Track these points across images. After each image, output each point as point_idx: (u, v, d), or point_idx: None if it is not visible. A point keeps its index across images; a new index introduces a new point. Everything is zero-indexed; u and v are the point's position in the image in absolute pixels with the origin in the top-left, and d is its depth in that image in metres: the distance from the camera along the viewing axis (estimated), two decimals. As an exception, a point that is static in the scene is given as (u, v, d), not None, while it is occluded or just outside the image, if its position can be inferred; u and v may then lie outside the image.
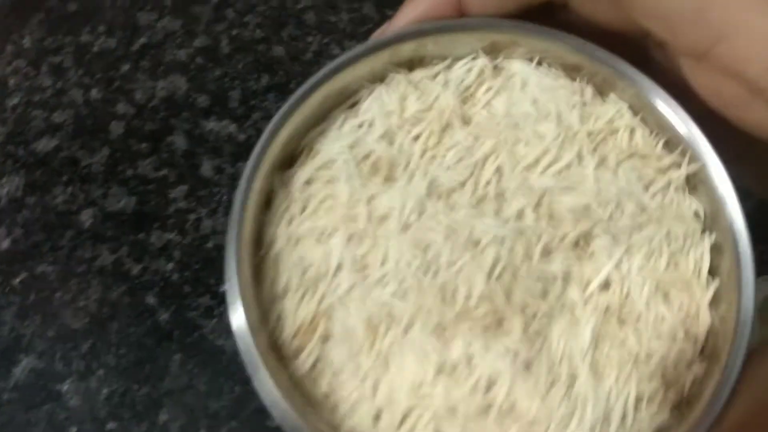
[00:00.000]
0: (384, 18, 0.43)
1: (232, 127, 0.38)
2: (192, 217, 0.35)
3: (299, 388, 0.18)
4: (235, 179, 0.36)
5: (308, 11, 0.42)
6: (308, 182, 0.20)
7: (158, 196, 0.36)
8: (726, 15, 0.17)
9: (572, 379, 0.18)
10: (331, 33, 0.42)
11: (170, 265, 0.34)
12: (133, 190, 0.36)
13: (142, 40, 0.40)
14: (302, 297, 0.19)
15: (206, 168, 0.37)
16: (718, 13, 0.17)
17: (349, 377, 0.18)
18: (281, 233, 0.20)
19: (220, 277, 0.34)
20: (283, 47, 0.41)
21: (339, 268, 0.19)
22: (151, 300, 0.33)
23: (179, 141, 0.37)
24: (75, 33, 0.40)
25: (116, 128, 0.37)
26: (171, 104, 0.38)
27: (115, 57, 0.40)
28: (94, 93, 0.38)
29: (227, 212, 0.36)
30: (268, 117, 0.38)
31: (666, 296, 0.19)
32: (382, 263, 0.19)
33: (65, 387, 0.32)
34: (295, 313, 0.19)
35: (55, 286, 0.34)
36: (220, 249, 0.35)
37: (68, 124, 0.37)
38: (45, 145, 0.37)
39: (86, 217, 0.35)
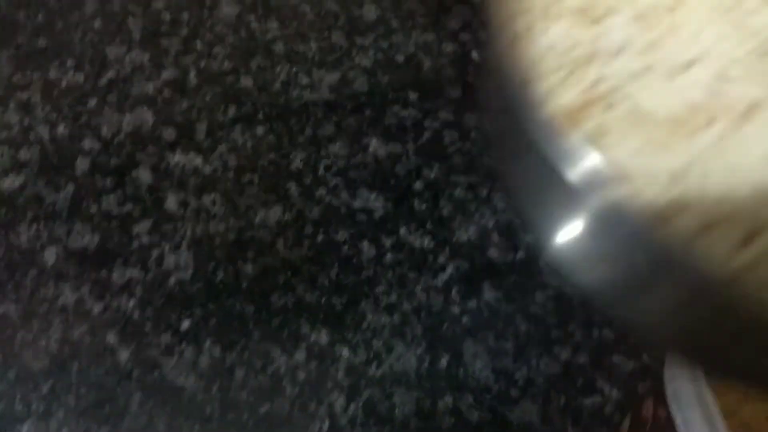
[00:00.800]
0: (353, 46, 0.43)
1: (198, 160, 0.38)
2: (155, 252, 0.35)
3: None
4: (199, 213, 0.36)
5: (277, 41, 0.42)
6: None
7: (121, 232, 0.35)
8: None
9: None
10: (299, 62, 0.42)
11: (132, 302, 0.34)
12: (97, 227, 0.35)
13: (110, 74, 0.40)
14: (567, 78, 0.15)
15: (171, 202, 0.36)
16: None
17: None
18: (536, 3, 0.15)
19: (182, 313, 0.34)
20: (252, 77, 0.41)
21: (621, 50, 0.15)
22: (111, 339, 0.33)
23: (144, 175, 0.37)
24: (44, 69, 0.40)
25: (82, 164, 0.37)
26: (137, 138, 0.38)
27: (82, 92, 0.40)
28: (61, 129, 0.38)
29: (191, 247, 0.35)
30: (234, 149, 0.38)
31: None
32: (691, 44, 0.14)
33: (24, 429, 0.31)
34: (561, 94, 0.14)
35: (18, 326, 0.33)
36: (182, 284, 0.35)
37: (34, 161, 0.37)
38: (11, 183, 0.37)
39: (50, 255, 0.35)
